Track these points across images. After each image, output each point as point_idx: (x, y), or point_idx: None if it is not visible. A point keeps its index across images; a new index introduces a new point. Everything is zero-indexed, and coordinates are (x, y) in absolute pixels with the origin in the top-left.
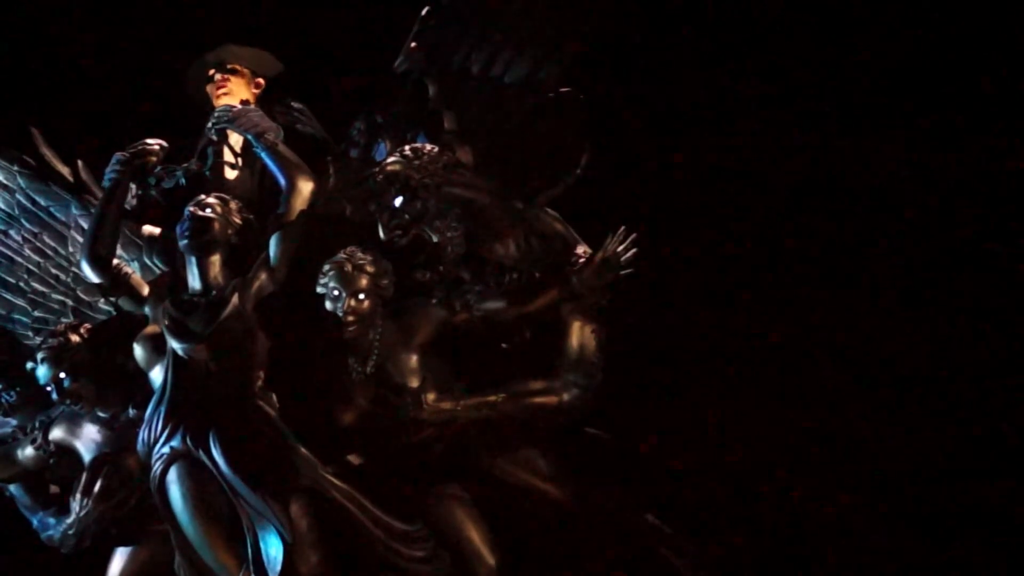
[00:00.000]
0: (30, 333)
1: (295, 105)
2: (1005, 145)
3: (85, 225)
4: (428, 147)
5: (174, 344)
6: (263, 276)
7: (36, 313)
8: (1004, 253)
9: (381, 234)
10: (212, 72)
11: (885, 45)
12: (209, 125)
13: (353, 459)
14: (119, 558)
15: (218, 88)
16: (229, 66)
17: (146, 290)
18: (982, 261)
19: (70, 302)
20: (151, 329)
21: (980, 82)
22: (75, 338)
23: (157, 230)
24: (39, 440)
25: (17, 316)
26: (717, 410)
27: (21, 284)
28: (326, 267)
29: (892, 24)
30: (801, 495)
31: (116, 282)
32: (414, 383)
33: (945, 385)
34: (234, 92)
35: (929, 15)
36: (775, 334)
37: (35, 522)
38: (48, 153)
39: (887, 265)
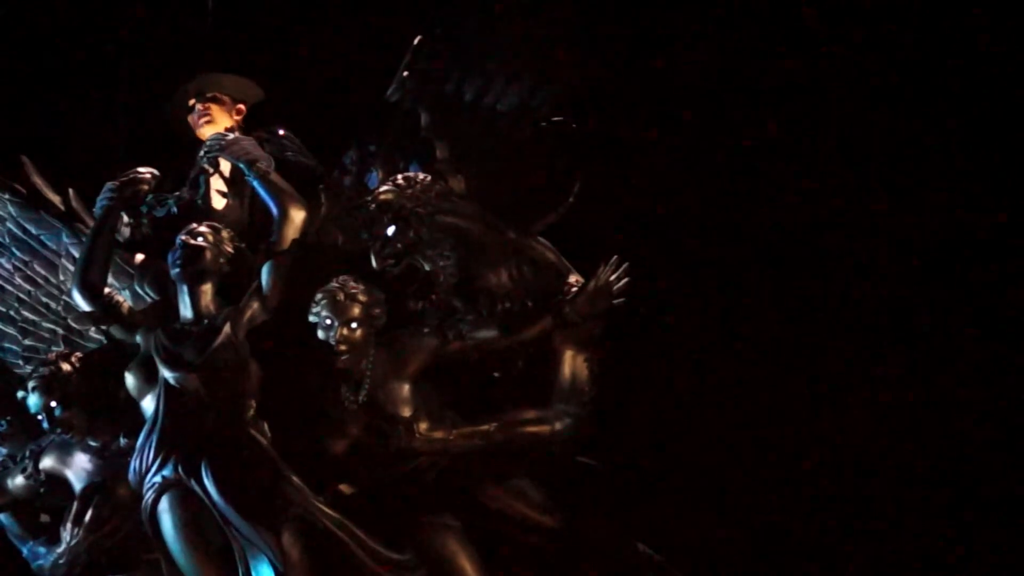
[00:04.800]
0: (20, 362)
1: (283, 133)
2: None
3: (76, 253)
4: (421, 176)
5: (166, 373)
6: (255, 305)
7: (26, 342)
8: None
9: (373, 263)
10: (193, 101)
11: (882, 88)
12: (201, 153)
13: (345, 488)
14: None
15: (200, 117)
16: (210, 94)
17: (137, 319)
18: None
19: (61, 331)
20: (142, 358)
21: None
22: (66, 367)
23: (147, 258)
24: (29, 469)
25: (7, 345)
26: (711, 439)
27: (11, 312)
28: (318, 296)
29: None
30: (797, 524)
31: (107, 311)
32: (406, 412)
33: (940, 409)
34: (216, 119)
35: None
36: (769, 363)
37: (25, 551)
38: (39, 181)
39: (881, 303)
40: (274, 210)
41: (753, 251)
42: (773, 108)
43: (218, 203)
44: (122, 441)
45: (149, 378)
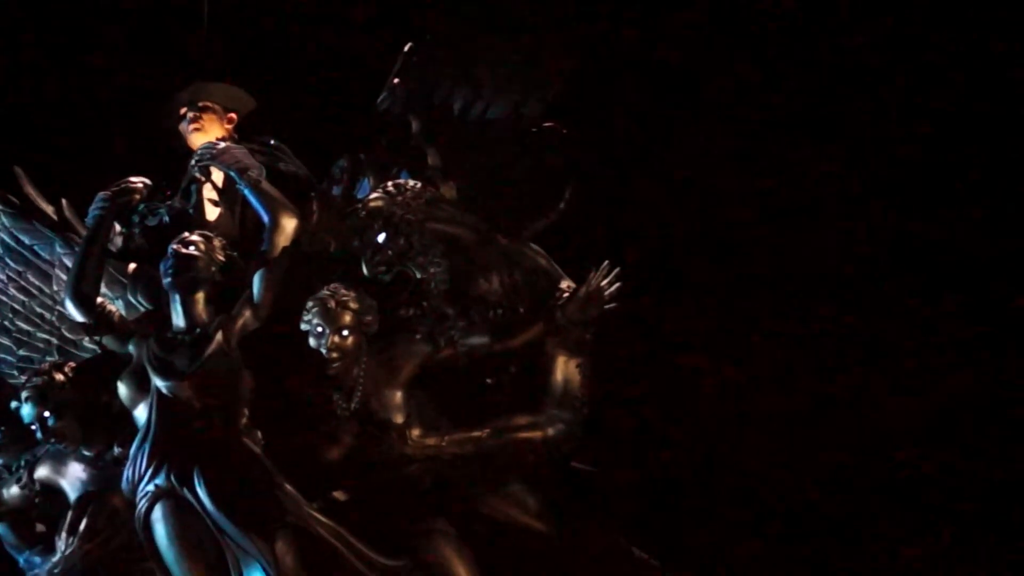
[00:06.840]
0: (15, 372)
1: (274, 143)
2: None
3: (69, 263)
4: (411, 183)
5: (158, 382)
6: (247, 313)
7: (21, 352)
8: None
9: (365, 270)
10: (184, 110)
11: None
12: (193, 162)
13: (338, 495)
14: None
15: (191, 125)
16: (201, 103)
17: (130, 328)
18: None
19: (55, 341)
20: (135, 367)
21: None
22: (60, 377)
23: (139, 267)
24: (24, 479)
25: (2, 355)
26: (705, 443)
27: (6, 323)
28: (310, 304)
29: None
30: (793, 528)
31: (100, 320)
32: (399, 419)
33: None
34: (207, 128)
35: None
36: (765, 368)
37: (21, 561)
38: (32, 192)
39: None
40: (265, 219)
41: (748, 257)
42: (764, 109)
43: (210, 212)
44: (116, 450)
45: (142, 387)
